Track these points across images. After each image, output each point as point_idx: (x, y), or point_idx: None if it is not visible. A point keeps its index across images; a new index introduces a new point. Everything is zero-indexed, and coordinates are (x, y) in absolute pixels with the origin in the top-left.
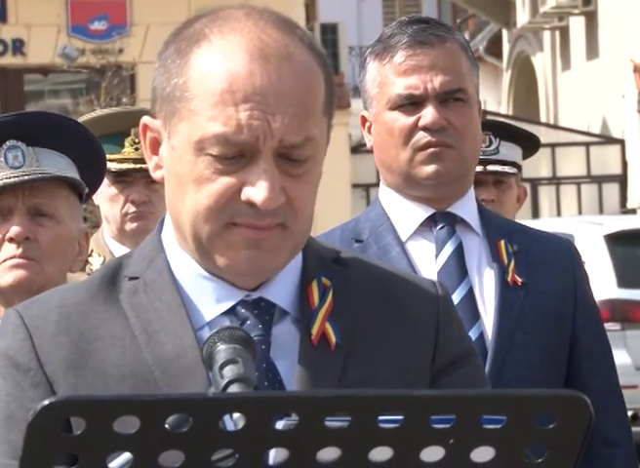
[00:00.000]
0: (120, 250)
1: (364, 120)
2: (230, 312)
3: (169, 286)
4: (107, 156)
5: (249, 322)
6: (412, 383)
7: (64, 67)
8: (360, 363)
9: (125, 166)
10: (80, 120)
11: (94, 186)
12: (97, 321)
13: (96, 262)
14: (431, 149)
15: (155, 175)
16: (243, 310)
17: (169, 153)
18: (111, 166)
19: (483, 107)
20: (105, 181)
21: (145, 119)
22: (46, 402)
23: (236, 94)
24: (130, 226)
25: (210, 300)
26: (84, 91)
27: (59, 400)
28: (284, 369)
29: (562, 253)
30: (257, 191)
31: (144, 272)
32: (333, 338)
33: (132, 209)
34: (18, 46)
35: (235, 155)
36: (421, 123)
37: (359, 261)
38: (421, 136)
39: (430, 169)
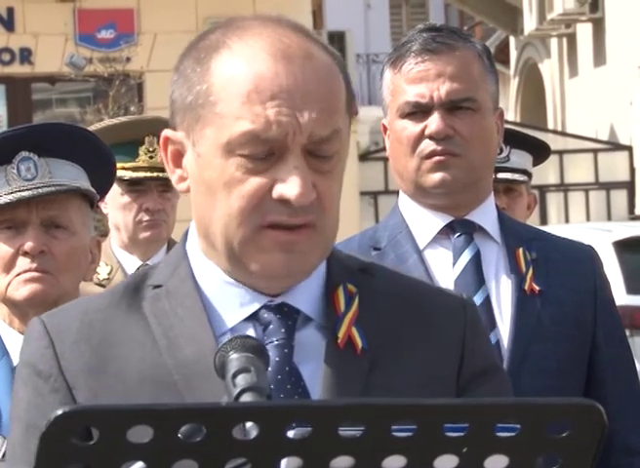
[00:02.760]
0: (128, 259)
1: (385, 128)
2: (253, 318)
3: (191, 292)
4: (121, 164)
5: (271, 326)
6: (436, 394)
7: (72, 76)
8: (385, 370)
9: (141, 174)
10: (93, 128)
11: (103, 193)
12: (118, 327)
13: (103, 272)
14: (437, 158)
15: (180, 187)
16: (265, 315)
17: (194, 162)
18: (125, 174)
19: None
20: (117, 190)
21: (167, 132)
22: (59, 411)
23: (263, 93)
24: (144, 234)
25: (233, 306)
26: (91, 99)
27: (72, 409)
28: (308, 373)
29: (582, 260)
30: (289, 187)
31: (168, 280)
32: (359, 343)
33: (146, 217)
34: (25, 55)
35: (265, 154)
36: (427, 131)
37: (385, 272)
38: (427, 145)
39: (436, 177)
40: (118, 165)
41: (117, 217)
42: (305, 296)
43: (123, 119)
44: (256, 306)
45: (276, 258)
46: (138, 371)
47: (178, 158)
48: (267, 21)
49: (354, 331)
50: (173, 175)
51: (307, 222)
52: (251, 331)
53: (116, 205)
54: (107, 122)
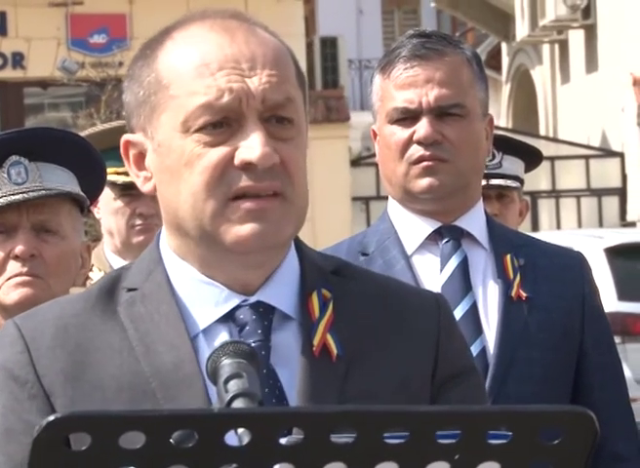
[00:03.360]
0: (121, 264)
1: (374, 134)
2: (229, 318)
3: (167, 297)
4: (114, 169)
5: (248, 327)
6: (412, 397)
7: (64, 81)
8: (361, 375)
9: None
10: (86, 133)
11: (93, 197)
12: (94, 333)
13: (96, 277)
14: (424, 163)
15: (145, 188)
16: (242, 316)
17: (155, 154)
18: (119, 178)
19: None
20: (110, 195)
21: (126, 136)
22: (51, 417)
23: (210, 65)
24: (137, 239)
25: (208, 305)
26: (84, 104)
27: (64, 415)
28: (284, 376)
29: (571, 266)
30: (250, 151)
31: (143, 284)
32: (334, 350)
33: (139, 221)
34: (17, 59)
35: (221, 121)
36: (415, 137)
37: (358, 273)
38: (415, 150)
39: (424, 182)
40: (111, 169)
41: (110, 222)
42: (281, 294)
43: (115, 123)
44: (230, 305)
45: (249, 229)
46: (115, 379)
47: (140, 160)
48: (207, 12)
49: (329, 338)
50: (138, 178)
51: (275, 190)
52: (225, 334)
53: (109, 210)
54: (100, 126)
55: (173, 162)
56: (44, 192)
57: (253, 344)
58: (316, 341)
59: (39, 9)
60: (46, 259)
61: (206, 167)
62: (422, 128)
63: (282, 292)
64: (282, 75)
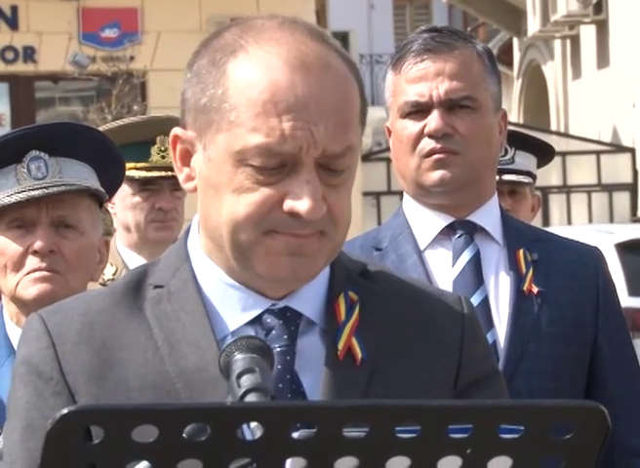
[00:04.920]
0: (134, 259)
1: (389, 130)
2: (256, 322)
3: (193, 295)
4: (134, 164)
5: (274, 332)
6: None
7: (75, 75)
8: (384, 379)
9: (154, 174)
10: (105, 128)
11: (112, 192)
12: (120, 330)
13: (108, 272)
14: (436, 156)
15: (187, 186)
16: (269, 320)
17: (204, 164)
18: (138, 174)
19: None
20: (128, 190)
21: (177, 130)
22: (64, 411)
23: (279, 104)
24: (156, 235)
25: (235, 309)
26: (94, 98)
27: (77, 409)
28: (308, 381)
29: (586, 261)
30: (300, 202)
31: (169, 281)
32: (359, 353)
33: (159, 216)
34: (29, 53)
35: (277, 166)
36: (426, 130)
37: (386, 276)
38: (427, 143)
39: (436, 175)
40: (130, 165)
41: (127, 217)
42: (308, 300)
43: (135, 119)
44: (258, 310)
45: (283, 261)
46: (139, 378)
47: (186, 157)
48: (285, 24)
49: (354, 342)
50: (180, 173)
51: (317, 231)
52: None
53: (127, 205)
54: (119, 122)
55: (221, 182)
56: (64, 187)
57: (278, 349)
58: (341, 345)
59: (50, 3)
60: (65, 255)
61: (253, 202)
62: (433, 121)
63: (310, 296)
64: (347, 122)
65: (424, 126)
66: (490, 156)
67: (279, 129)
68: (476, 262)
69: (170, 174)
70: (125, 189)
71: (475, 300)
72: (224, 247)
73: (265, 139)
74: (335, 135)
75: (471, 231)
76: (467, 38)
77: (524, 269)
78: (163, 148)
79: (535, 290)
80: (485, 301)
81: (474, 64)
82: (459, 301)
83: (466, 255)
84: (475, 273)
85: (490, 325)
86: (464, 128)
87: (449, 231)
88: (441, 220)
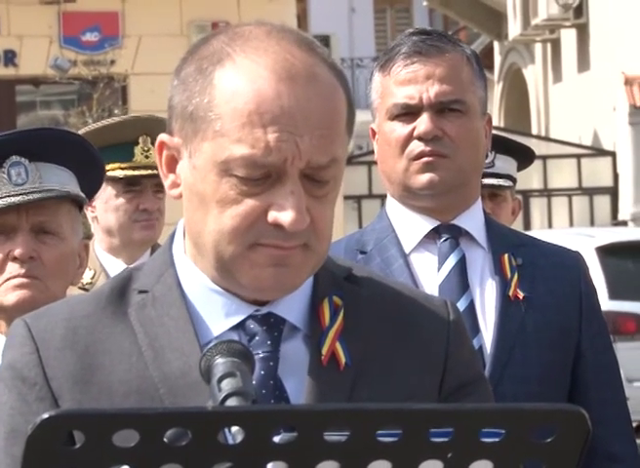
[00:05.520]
0: (112, 262)
1: (373, 132)
2: (239, 327)
3: (177, 301)
4: (118, 165)
5: (257, 338)
6: None
7: (56, 78)
8: (368, 384)
9: (141, 172)
10: (88, 129)
11: (91, 196)
12: (104, 335)
13: (86, 276)
14: (425, 158)
15: (172, 192)
16: (252, 325)
17: (189, 172)
18: (124, 173)
19: None
20: (111, 192)
21: (163, 137)
22: (45, 415)
23: (264, 115)
24: (139, 234)
25: (219, 315)
26: (75, 102)
27: (58, 413)
28: (292, 386)
29: (569, 266)
30: (284, 213)
31: (154, 286)
32: (342, 359)
33: (142, 216)
34: (9, 57)
35: (261, 177)
36: (415, 132)
37: (371, 280)
38: (416, 146)
39: (424, 178)
40: (114, 165)
41: (110, 219)
42: (292, 306)
43: (117, 119)
44: (241, 316)
45: (267, 272)
46: (123, 383)
47: (172, 163)
48: (272, 32)
49: (338, 347)
50: (166, 179)
51: (300, 244)
52: None
53: (109, 207)
54: (102, 123)
55: (205, 191)
56: (44, 194)
57: (261, 355)
58: (325, 350)
59: (31, 6)
60: (45, 261)
61: (238, 214)
62: (423, 123)
63: (294, 302)
64: (333, 133)
65: (414, 128)
66: (477, 160)
67: (264, 140)
68: (462, 267)
69: (155, 172)
70: (108, 191)
71: (461, 305)
72: (208, 257)
73: (250, 151)
74: (320, 146)
75: (456, 235)
76: (456, 42)
77: (509, 274)
78: (146, 148)
79: (520, 295)
80: (471, 306)
81: (464, 68)
82: (444, 306)
83: (452, 260)
84: (461, 278)
85: (476, 330)
86: (454, 131)
87: (434, 235)
88: (427, 224)
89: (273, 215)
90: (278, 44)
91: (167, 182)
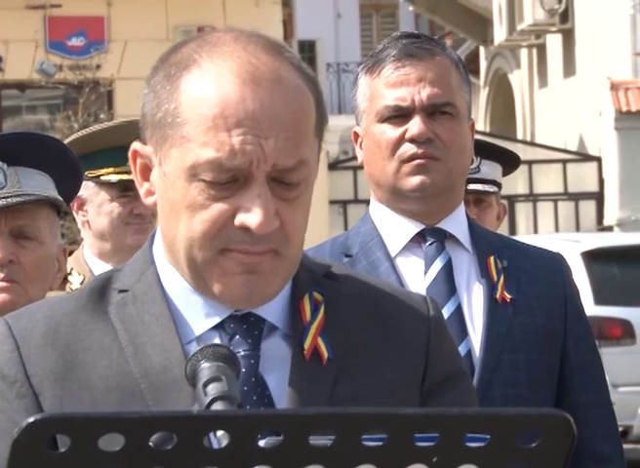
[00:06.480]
0: (102, 268)
1: (356, 136)
2: (219, 327)
3: (158, 299)
4: (112, 169)
5: (237, 337)
6: (402, 401)
7: (42, 83)
8: (351, 378)
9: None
10: (81, 134)
11: (69, 200)
12: (84, 332)
13: (75, 281)
14: (417, 161)
15: (147, 201)
16: (232, 325)
17: (160, 179)
18: (118, 177)
19: None
20: (104, 197)
21: (136, 145)
22: (30, 419)
23: (229, 119)
24: (133, 238)
25: (199, 315)
26: (61, 107)
27: (43, 417)
28: (274, 383)
29: (553, 268)
30: (251, 216)
31: (134, 285)
32: (325, 353)
33: (136, 220)
34: None
35: (228, 180)
36: (408, 134)
37: (350, 276)
38: (408, 148)
39: (416, 180)
40: (108, 170)
41: (103, 224)
42: (272, 305)
43: (110, 123)
44: (220, 317)
45: (237, 280)
46: (104, 379)
47: (146, 171)
48: (240, 37)
49: (320, 342)
50: (141, 188)
51: (270, 248)
52: (217, 341)
53: (103, 211)
54: (96, 127)
55: (175, 198)
56: (22, 198)
57: (242, 353)
58: (307, 345)
59: (17, 11)
60: (24, 265)
61: (206, 219)
62: (415, 125)
63: (274, 302)
64: (300, 136)
65: (405, 130)
66: (464, 164)
67: (229, 144)
68: (448, 270)
69: None
70: (102, 195)
71: (448, 309)
72: (181, 263)
73: (216, 154)
74: (286, 148)
75: (442, 239)
76: (444, 46)
77: (495, 277)
78: None
79: (507, 297)
80: (458, 310)
81: (452, 72)
82: (424, 302)
83: (438, 264)
84: (448, 281)
85: (464, 334)
86: (445, 134)
87: (419, 238)
88: (412, 227)
89: (240, 219)
90: (244, 49)
91: (142, 191)
